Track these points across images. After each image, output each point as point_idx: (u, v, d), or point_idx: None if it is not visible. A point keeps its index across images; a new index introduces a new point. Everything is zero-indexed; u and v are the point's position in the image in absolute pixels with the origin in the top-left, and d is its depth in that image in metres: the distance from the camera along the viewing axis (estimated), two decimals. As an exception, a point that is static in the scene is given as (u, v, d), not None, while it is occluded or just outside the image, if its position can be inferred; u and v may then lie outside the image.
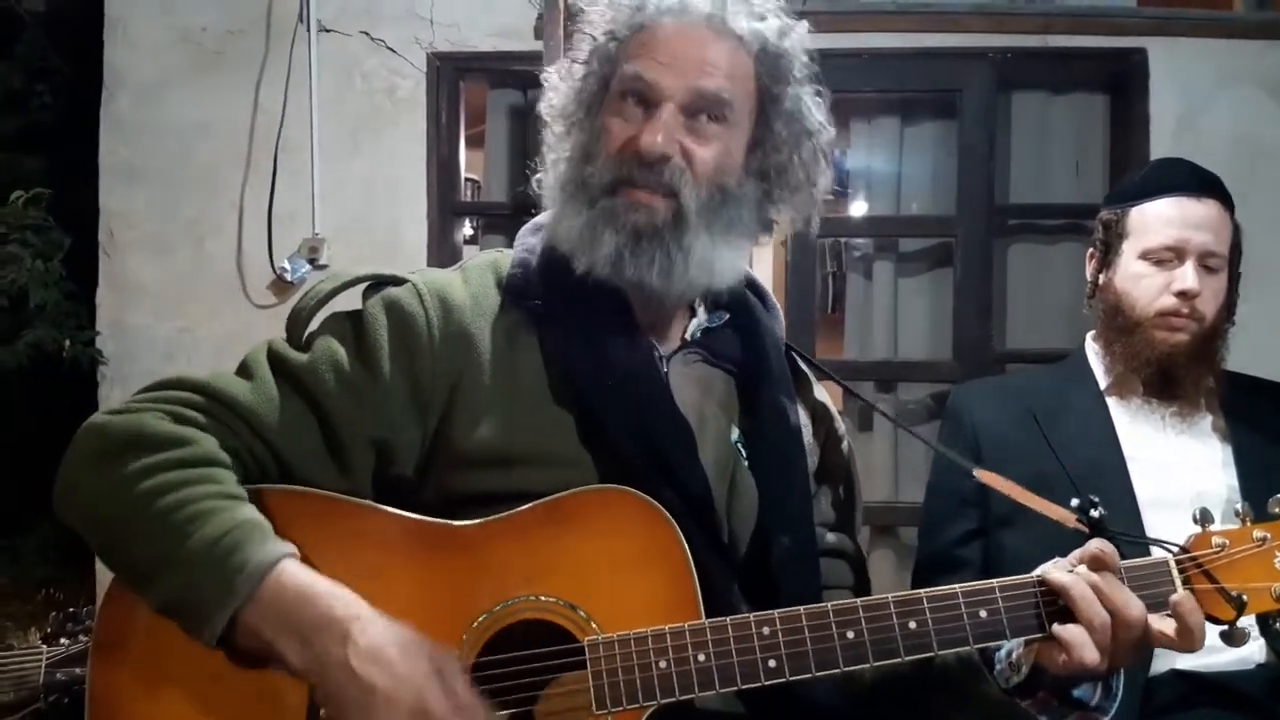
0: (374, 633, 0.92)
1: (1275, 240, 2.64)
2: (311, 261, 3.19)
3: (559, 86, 1.20)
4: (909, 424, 3.26)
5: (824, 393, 1.31)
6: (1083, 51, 3.12)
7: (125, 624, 1.00)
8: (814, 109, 1.19)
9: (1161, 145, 3.04)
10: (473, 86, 3.40)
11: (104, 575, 3.19)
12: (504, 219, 3.37)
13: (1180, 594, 1.00)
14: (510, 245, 3.49)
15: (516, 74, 3.30)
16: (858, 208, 3.51)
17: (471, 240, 3.73)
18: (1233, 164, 2.95)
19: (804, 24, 1.19)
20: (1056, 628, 0.99)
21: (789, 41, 1.16)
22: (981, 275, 3.12)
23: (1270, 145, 3.04)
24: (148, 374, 3.21)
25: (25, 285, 3.12)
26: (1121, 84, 3.14)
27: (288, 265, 3.17)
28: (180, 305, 3.25)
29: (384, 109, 3.22)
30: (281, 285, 3.21)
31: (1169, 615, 1.01)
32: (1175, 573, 1.02)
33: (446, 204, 3.29)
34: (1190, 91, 3.06)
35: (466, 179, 3.60)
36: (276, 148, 3.16)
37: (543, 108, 1.21)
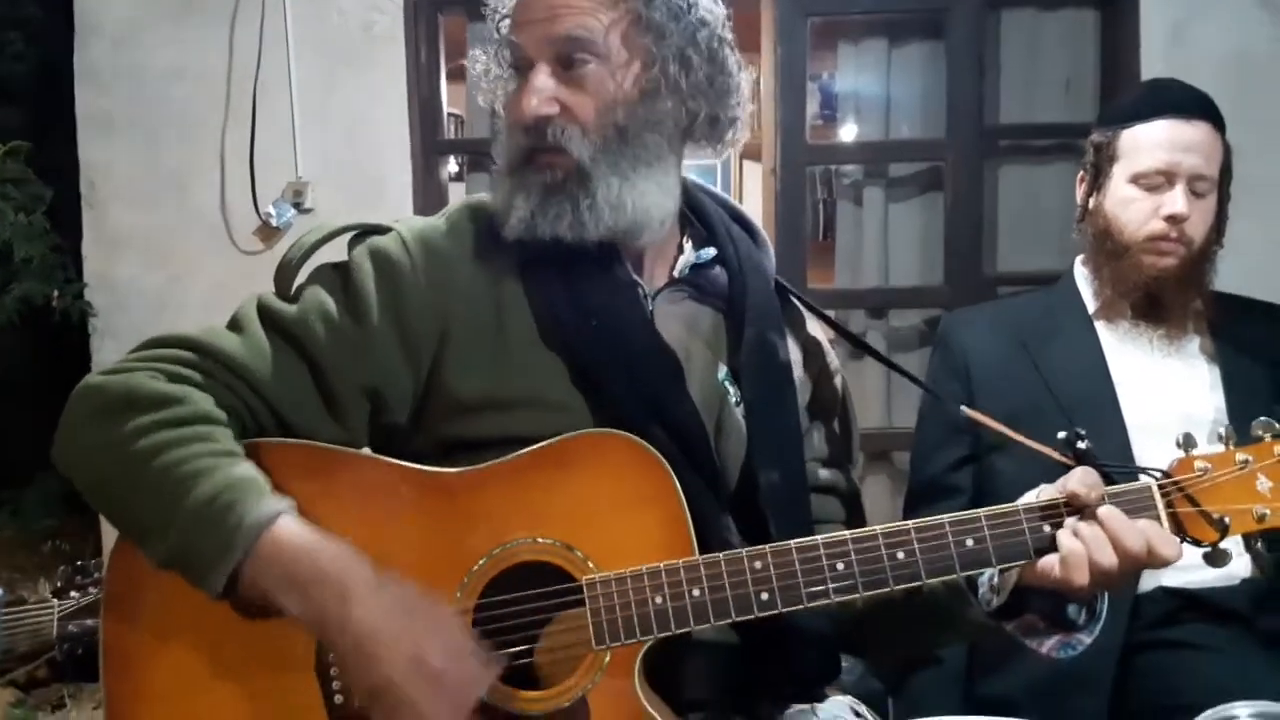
0: (369, 589, 0.94)
1: (1268, 156, 2.62)
2: (296, 205, 3.15)
3: (483, 68, 1.19)
4: (901, 350, 3.28)
5: (816, 327, 1.31)
6: (1072, -34, 3.07)
7: (134, 576, 1.03)
8: None
9: (1152, 61, 2.99)
10: (452, 20, 3.33)
11: (110, 526, 3.23)
12: (489, 156, 3.33)
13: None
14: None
15: (496, 6, 3.23)
16: (847, 132, 3.47)
17: (457, 177, 3.70)
18: (1224, 79, 2.92)
19: None
20: (1062, 536, 1.00)
21: None
22: (972, 198, 3.10)
23: (1263, 59, 2.99)
24: (138, 325, 3.22)
25: (10, 240, 3.09)
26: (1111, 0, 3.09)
27: (273, 210, 3.14)
28: (167, 255, 3.22)
29: (361, 47, 3.15)
30: (268, 230, 3.18)
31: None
32: (1158, 497, 1.03)
33: (430, 142, 3.25)
34: (1181, 6, 3.00)
35: (450, 114, 3.55)
36: (255, 90, 3.11)
37: (474, 94, 1.22)
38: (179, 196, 3.21)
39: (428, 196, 3.24)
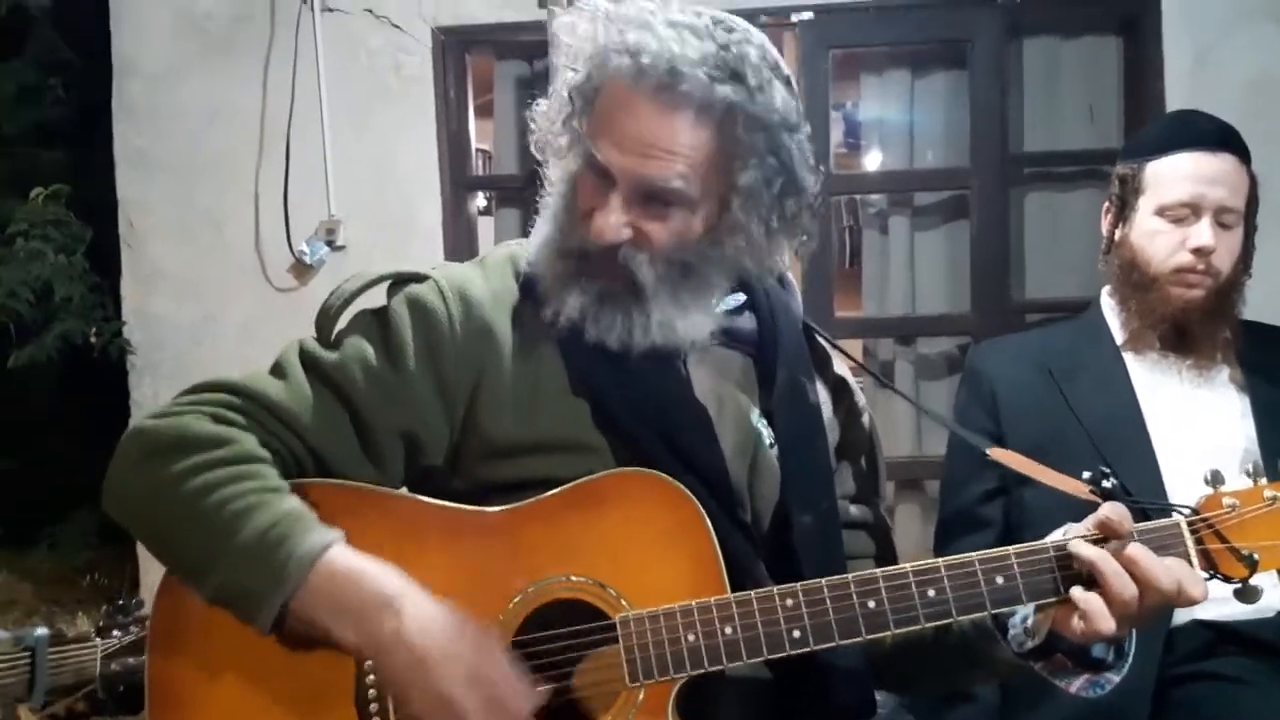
0: (423, 608, 0.97)
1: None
2: (329, 243, 3.21)
3: (546, 116, 1.18)
4: (929, 377, 3.28)
5: (843, 367, 1.32)
6: (1094, -7, 3.08)
7: (178, 615, 1.05)
8: (798, 158, 1.12)
9: (1176, 87, 2.99)
10: (479, 58, 3.40)
11: (146, 559, 3.28)
12: (517, 191, 3.39)
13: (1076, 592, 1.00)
14: (524, 215, 3.48)
15: (522, 44, 3.30)
16: (871, 160, 3.49)
17: (485, 211, 3.75)
18: (1248, 104, 2.92)
19: (782, 68, 1.11)
20: (1076, 593, 1.00)
21: (761, 99, 1.08)
22: (997, 226, 3.10)
23: (1287, 82, 2.99)
24: (176, 360, 3.28)
25: (50, 280, 3.17)
26: (1134, 26, 3.10)
27: (306, 248, 3.20)
28: (203, 291, 3.29)
29: (391, 86, 3.23)
30: (301, 268, 3.24)
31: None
32: (1187, 534, 1.03)
33: (459, 178, 3.31)
34: (1204, 31, 3.01)
35: (477, 149, 3.61)
36: (289, 131, 3.18)
37: (533, 142, 1.20)
38: (214, 234, 3.28)
39: (457, 232, 3.29)
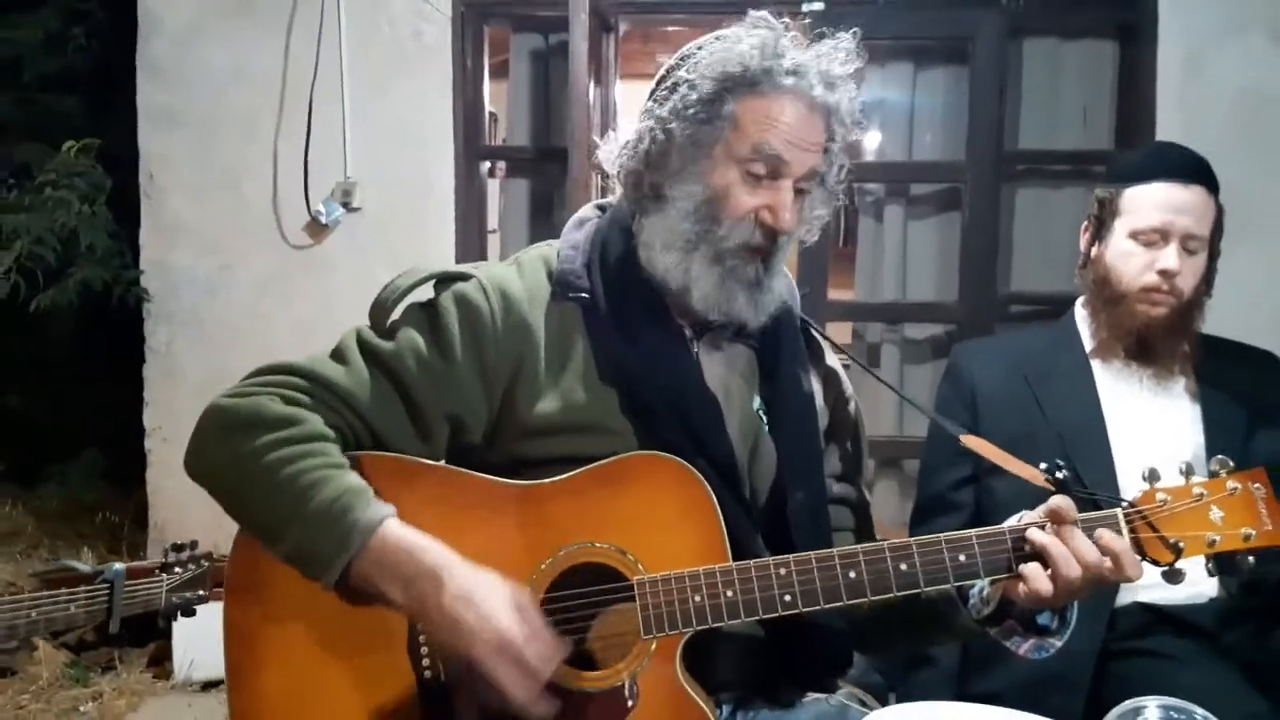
0: (462, 579, 1.11)
1: (1275, 189, 2.75)
2: (345, 204, 3.32)
3: (680, 131, 1.26)
4: (915, 361, 3.44)
5: (834, 359, 1.47)
6: (1094, -2, 3.19)
7: (253, 566, 1.20)
8: (850, 131, 1.33)
9: (1168, 93, 3.11)
10: (496, 29, 3.49)
11: (156, 498, 3.41)
12: (527, 162, 3.50)
13: (1101, 530, 1.17)
14: (531, 185, 3.59)
15: (539, 19, 3.39)
16: (870, 143, 3.59)
17: (489, 172, 3.84)
18: (1238, 112, 3.05)
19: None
20: (1022, 567, 1.17)
21: (852, 99, 1.30)
22: (988, 219, 3.24)
23: (1276, 94, 3.11)
24: (191, 310, 3.40)
25: (75, 228, 3.26)
26: (1131, 31, 3.21)
27: (322, 208, 3.31)
28: (220, 245, 3.40)
29: (411, 54, 3.32)
30: (316, 227, 3.35)
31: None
32: (1123, 524, 1.19)
33: (472, 147, 3.41)
34: (1198, 39, 3.13)
35: (488, 112, 3.70)
36: (311, 94, 3.27)
37: (645, 160, 1.29)
38: (233, 191, 3.38)
39: (469, 198, 3.40)
